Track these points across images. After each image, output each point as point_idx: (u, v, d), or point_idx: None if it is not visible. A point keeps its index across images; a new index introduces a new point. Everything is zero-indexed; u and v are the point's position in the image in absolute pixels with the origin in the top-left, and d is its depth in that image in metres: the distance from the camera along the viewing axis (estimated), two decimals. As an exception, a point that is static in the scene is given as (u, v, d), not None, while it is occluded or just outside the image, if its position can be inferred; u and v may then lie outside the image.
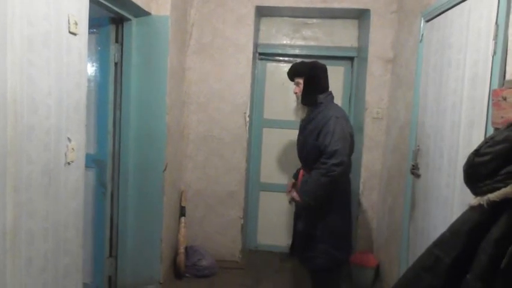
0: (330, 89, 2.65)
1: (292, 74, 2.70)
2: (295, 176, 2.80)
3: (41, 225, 1.68)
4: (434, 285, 1.20)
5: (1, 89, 1.38)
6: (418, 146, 2.59)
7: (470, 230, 1.16)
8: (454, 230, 1.21)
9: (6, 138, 1.41)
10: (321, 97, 2.57)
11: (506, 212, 1.09)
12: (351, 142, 2.54)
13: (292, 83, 2.72)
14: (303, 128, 2.67)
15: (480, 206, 1.14)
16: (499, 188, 1.11)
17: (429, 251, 1.26)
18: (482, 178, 1.17)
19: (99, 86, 2.73)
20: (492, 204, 1.11)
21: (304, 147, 2.62)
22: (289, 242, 2.90)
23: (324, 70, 2.63)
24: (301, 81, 2.62)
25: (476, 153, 1.19)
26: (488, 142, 1.18)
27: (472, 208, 1.19)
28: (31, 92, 1.54)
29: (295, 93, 2.67)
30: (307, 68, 2.64)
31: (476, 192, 1.20)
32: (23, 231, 1.56)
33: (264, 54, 3.91)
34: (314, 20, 3.84)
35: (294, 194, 2.62)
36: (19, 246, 1.55)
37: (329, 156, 2.36)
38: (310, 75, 2.59)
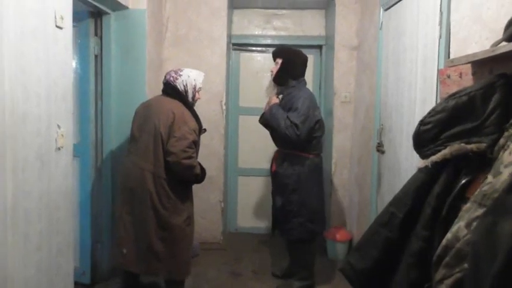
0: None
1: (274, 54, 2.89)
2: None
3: (35, 205, 1.81)
4: (390, 237, 1.39)
5: (0, 77, 1.51)
6: (382, 124, 2.82)
7: (417, 188, 1.35)
8: (405, 190, 1.41)
9: (5, 123, 1.55)
10: (294, 82, 2.77)
11: (445, 171, 1.30)
12: (320, 124, 2.76)
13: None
14: None
15: (426, 167, 1.34)
16: (440, 151, 1.32)
17: (386, 209, 1.45)
18: (427, 143, 1.37)
19: (80, 78, 2.81)
20: (435, 165, 1.32)
21: None
22: (268, 223, 3.09)
23: (302, 58, 2.83)
24: (279, 61, 2.80)
25: (421, 122, 1.39)
26: (430, 113, 1.38)
27: (419, 170, 1.38)
28: (24, 80, 1.66)
29: (271, 71, 2.86)
30: (287, 51, 2.85)
31: (422, 156, 1.41)
32: (20, 210, 1.69)
33: (237, 45, 4.06)
34: (284, 11, 4.02)
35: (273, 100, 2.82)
36: (17, 224, 1.68)
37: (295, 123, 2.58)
38: (287, 59, 2.78)
